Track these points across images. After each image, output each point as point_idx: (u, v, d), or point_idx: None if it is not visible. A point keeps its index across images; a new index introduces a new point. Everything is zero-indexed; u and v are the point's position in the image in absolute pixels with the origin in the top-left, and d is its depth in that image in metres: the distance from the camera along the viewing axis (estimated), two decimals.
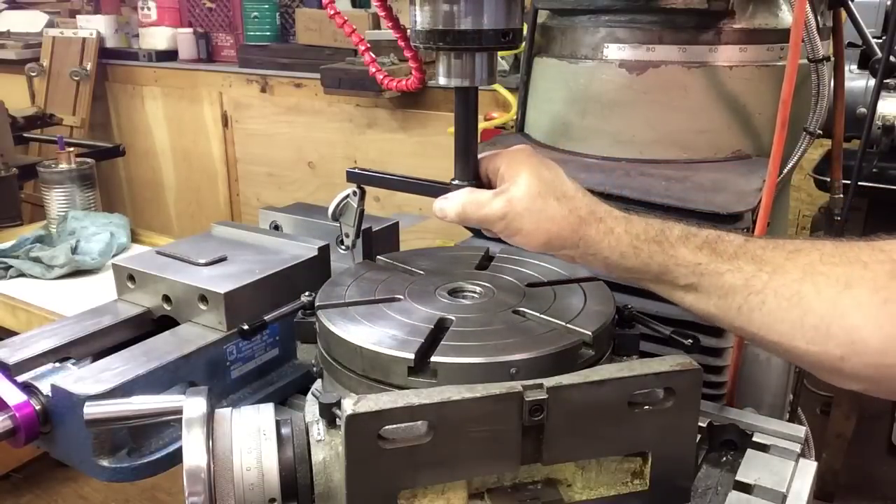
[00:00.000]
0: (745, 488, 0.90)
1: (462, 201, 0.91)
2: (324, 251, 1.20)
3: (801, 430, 1.02)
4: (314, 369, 0.99)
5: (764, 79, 1.15)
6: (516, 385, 0.74)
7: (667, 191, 1.10)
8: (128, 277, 1.13)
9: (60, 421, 0.94)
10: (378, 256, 1.12)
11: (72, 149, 2.37)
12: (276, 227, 1.39)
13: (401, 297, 0.97)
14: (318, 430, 0.78)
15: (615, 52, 1.18)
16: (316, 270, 1.18)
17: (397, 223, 1.40)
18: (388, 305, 0.95)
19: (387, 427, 0.71)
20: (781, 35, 1.14)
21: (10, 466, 2.89)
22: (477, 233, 1.30)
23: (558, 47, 1.26)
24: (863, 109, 1.90)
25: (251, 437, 0.76)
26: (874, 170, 2.15)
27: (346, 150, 3.78)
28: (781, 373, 1.12)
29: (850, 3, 1.25)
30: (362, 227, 1.17)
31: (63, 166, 2.29)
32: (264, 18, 4.01)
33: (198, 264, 1.12)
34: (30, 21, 4.92)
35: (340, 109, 3.72)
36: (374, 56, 1.14)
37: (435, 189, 1.05)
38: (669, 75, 1.15)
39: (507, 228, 0.87)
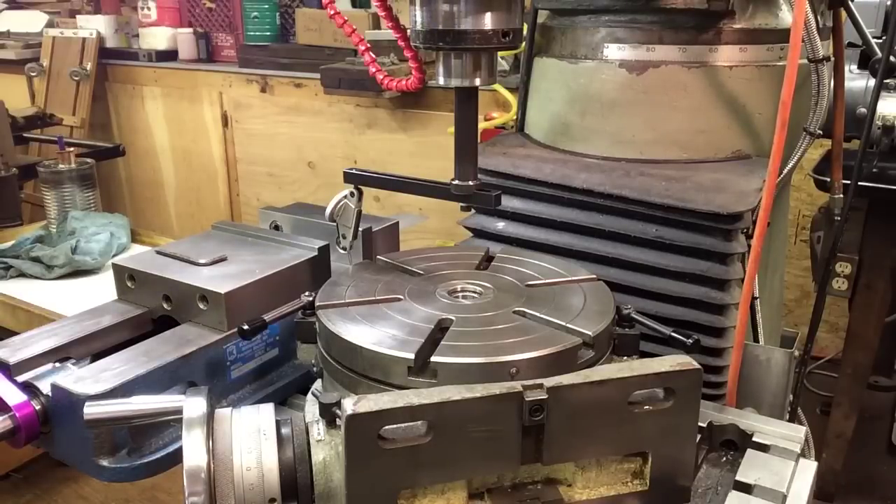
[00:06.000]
0: (745, 488, 0.90)
1: None
2: (324, 251, 1.20)
3: (801, 430, 1.02)
4: (314, 369, 0.99)
5: (764, 79, 1.15)
6: (516, 385, 0.74)
7: (667, 191, 1.10)
8: (128, 277, 1.13)
9: (60, 421, 0.94)
10: (378, 256, 1.12)
11: (72, 149, 2.37)
12: (276, 227, 1.39)
13: (401, 297, 0.97)
14: (318, 430, 0.78)
15: (615, 52, 1.18)
16: (316, 270, 1.18)
17: (397, 223, 1.40)
18: (388, 305, 0.95)
19: (387, 427, 0.71)
20: (781, 35, 1.14)
21: (10, 466, 2.89)
22: (477, 233, 1.30)
23: (558, 47, 1.26)
24: (863, 109, 1.90)
25: (251, 437, 0.77)
26: (874, 170, 2.16)
27: (346, 150, 3.78)
28: (781, 373, 1.12)
29: (850, 3, 1.25)
30: (361, 228, 1.17)
31: (63, 166, 2.29)
32: (264, 18, 4.02)
33: (198, 264, 1.12)
34: (30, 21, 4.93)
35: (340, 109, 3.73)
36: (374, 56, 1.14)
37: (432, 189, 1.06)
38: (669, 75, 1.15)
39: None
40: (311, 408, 0.96)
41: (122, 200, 4.74)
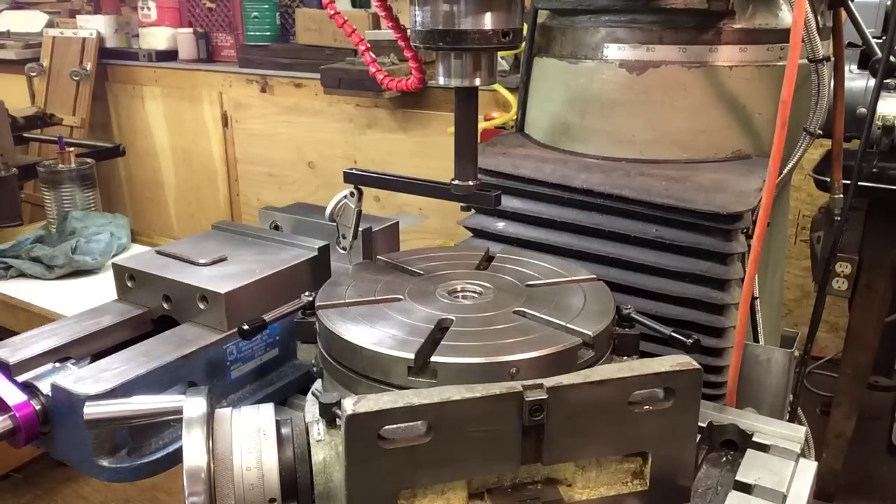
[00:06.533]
0: (745, 488, 0.90)
1: None
2: (324, 251, 1.20)
3: (801, 430, 1.02)
4: (314, 369, 0.99)
5: (764, 79, 1.15)
6: (516, 385, 0.74)
7: (667, 191, 1.10)
8: (128, 277, 1.13)
9: (60, 421, 0.94)
10: (378, 256, 1.12)
11: (72, 149, 2.37)
12: (276, 227, 1.39)
13: (401, 297, 0.97)
14: (318, 430, 0.78)
15: (615, 52, 1.18)
16: (316, 270, 1.18)
17: (397, 223, 1.40)
18: (388, 305, 0.95)
19: (387, 427, 0.71)
20: (781, 35, 1.14)
21: (10, 466, 2.89)
22: (477, 233, 1.30)
23: (558, 47, 1.26)
24: (863, 109, 1.90)
25: (251, 437, 0.77)
26: (874, 170, 2.15)
27: (346, 150, 3.78)
28: (781, 373, 1.12)
29: (850, 3, 1.25)
30: (361, 228, 1.17)
31: (63, 166, 2.29)
32: (264, 18, 4.02)
33: (198, 264, 1.12)
34: (30, 21, 4.92)
35: (340, 109, 3.73)
36: (374, 56, 1.14)
37: (432, 189, 1.06)
38: (669, 75, 1.15)
39: None
40: (311, 408, 0.96)
41: (122, 200, 4.74)
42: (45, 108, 3.81)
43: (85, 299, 1.39)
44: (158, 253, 1.17)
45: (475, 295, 1.00)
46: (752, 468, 0.93)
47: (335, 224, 1.15)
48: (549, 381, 0.75)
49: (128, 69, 4.47)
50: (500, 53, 1.08)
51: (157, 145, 4.50)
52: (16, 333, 1.07)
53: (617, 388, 0.77)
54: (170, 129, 4.42)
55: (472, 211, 1.29)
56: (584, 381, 0.76)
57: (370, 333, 0.87)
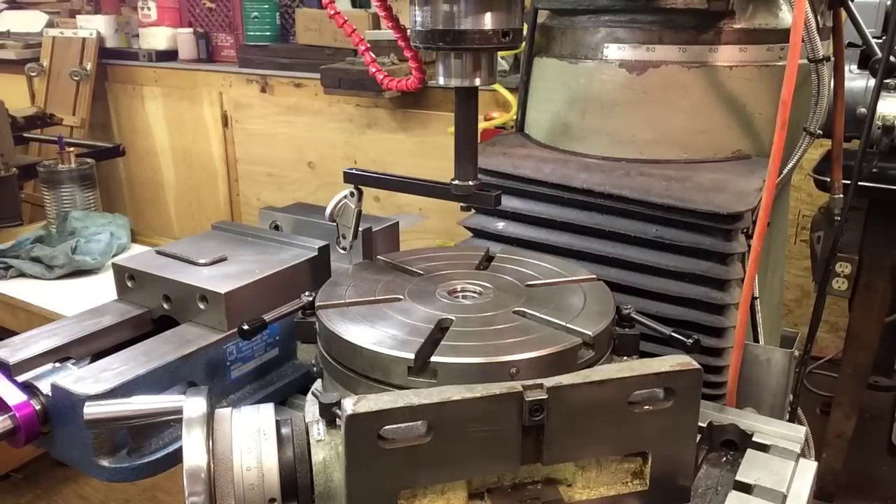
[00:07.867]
0: (745, 488, 0.90)
1: None
2: (324, 251, 1.20)
3: (801, 430, 1.02)
4: (314, 369, 0.99)
5: (764, 79, 1.15)
6: (516, 385, 0.74)
7: (667, 191, 1.10)
8: (128, 277, 1.13)
9: (60, 421, 0.94)
10: (378, 256, 1.12)
11: (72, 149, 2.37)
12: (276, 227, 1.39)
13: (401, 297, 0.97)
14: (318, 430, 0.78)
15: (615, 52, 1.18)
16: (316, 270, 1.18)
17: (397, 223, 1.40)
18: (388, 305, 0.95)
19: (387, 427, 0.71)
20: (781, 35, 1.14)
21: (10, 466, 2.89)
22: (477, 233, 1.30)
23: (558, 47, 1.26)
24: (863, 109, 1.90)
25: (251, 437, 0.77)
26: (874, 170, 2.15)
27: (346, 150, 3.78)
28: (781, 373, 1.12)
29: (850, 3, 1.25)
30: (361, 228, 1.17)
31: (63, 166, 2.29)
32: (264, 18, 4.02)
33: (198, 264, 1.12)
34: (30, 21, 4.92)
35: (340, 109, 3.73)
36: (374, 56, 1.14)
37: (432, 189, 1.06)
38: (669, 75, 1.15)
39: None
40: (311, 408, 0.96)
41: (122, 200, 4.74)
42: (45, 108, 3.81)
43: (85, 299, 1.39)
44: (158, 253, 1.17)
45: (475, 295, 1.00)
46: (752, 468, 0.93)
47: (335, 224, 1.15)
48: (549, 381, 0.75)
49: (128, 69, 4.47)
50: (500, 53, 1.08)
51: (157, 145, 4.50)
52: (16, 333, 1.07)
53: (617, 388, 0.77)
54: (170, 129, 4.42)
55: (472, 211, 1.29)
56: (584, 381, 0.76)
57: (370, 333, 0.87)
